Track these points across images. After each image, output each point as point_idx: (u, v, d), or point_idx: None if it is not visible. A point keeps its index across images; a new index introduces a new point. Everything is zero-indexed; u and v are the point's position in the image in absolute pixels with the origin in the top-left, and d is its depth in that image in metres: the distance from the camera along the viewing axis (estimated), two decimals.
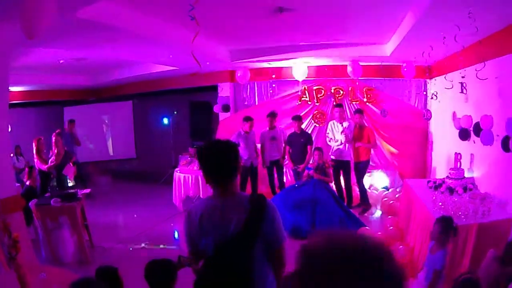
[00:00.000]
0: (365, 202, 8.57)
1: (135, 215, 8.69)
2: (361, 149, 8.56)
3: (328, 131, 8.95)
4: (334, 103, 9.56)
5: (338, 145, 8.63)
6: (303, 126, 9.41)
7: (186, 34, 5.65)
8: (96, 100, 13.62)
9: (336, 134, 8.69)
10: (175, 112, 12.97)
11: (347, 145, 8.60)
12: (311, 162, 8.38)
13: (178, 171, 9.15)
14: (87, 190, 7.32)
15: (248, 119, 8.75)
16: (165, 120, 13.16)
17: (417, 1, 5.12)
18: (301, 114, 9.68)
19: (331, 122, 8.99)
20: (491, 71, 5.52)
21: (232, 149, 2.61)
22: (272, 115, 9.02)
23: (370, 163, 9.08)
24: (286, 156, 9.01)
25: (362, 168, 8.63)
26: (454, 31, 5.13)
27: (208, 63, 8.41)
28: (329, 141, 8.83)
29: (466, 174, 6.83)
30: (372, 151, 8.99)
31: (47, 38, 5.39)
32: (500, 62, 5.48)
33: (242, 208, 2.51)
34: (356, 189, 8.85)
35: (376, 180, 9.87)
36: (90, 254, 6.30)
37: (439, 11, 4.76)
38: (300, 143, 8.73)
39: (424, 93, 9.63)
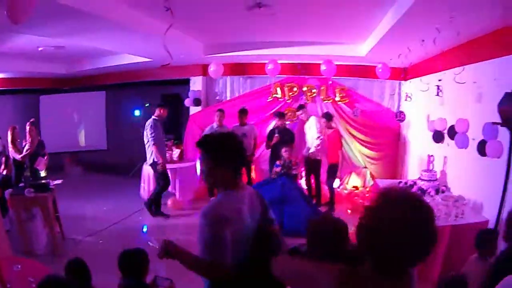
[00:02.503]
0: (332, 201, 8.53)
1: (104, 208, 8.57)
2: (334, 150, 8.51)
3: (310, 126, 8.72)
4: (299, 104, 9.42)
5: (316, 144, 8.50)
6: (273, 123, 9.43)
7: (162, 26, 5.52)
8: (71, 90, 13.31)
9: (309, 133, 8.62)
10: (147, 105, 12.75)
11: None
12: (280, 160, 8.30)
13: (147, 165, 8.89)
14: (59, 181, 7.11)
15: (219, 110, 8.73)
16: (137, 112, 13.01)
17: (397, 2, 5.08)
18: (271, 112, 9.73)
19: (314, 118, 8.81)
20: (469, 75, 5.55)
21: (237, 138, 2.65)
22: (243, 112, 8.95)
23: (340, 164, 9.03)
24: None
25: (333, 169, 8.57)
26: (434, 34, 5.13)
27: (182, 55, 8.24)
28: (318, 138, 8.54)
29: (439, 176, 6.90)
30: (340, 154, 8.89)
31: (30, 24, 5.17)
32: (479, 68, 5.51)
33: (257, 199, 2.67)
34: (325, 187, 8.80)
35: (346, 180, 9.87)
36: (62, 246, 6.22)
37: (420, 13, 4.72)
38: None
39: (398, 94, 9.66)
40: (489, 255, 3.60)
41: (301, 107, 8.99)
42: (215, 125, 8.66)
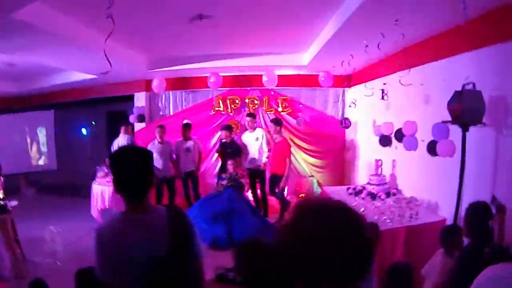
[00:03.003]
0: (285, 206, 8.32)
1: (60, 229, 7.98)
2: (279, 162, 8.34)
3: (257, 137, 8.63)
4: (247, 112, 9.35)
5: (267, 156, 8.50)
6: (217, 136, 9.48)
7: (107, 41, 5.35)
8: (21, 109, 12.86)
9: (253, 144, 8.56)
10: (94, 123, 12.73)
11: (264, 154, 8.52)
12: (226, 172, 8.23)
13: (96, 183, 8.67)
14: (15, 203, 6.88)
15: (160, 126, 8.56)
16: (84, 131, 12.93)
17: (339, 9, 5.10)
18: (215, 125, 9.70)
19: (262, 130, 8.86)
20: (416, 78, 5.65)
21: (149, 156, 2.29)
22: (186, 126, 8.82)
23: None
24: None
25: (277, 180, 8.33)
26: (378, 39, 5.18)
27: (125, 71, 8.19)
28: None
29: (389, 180, 6.98)
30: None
31: None
32: (425, 69, 5.63)
33: (163, 225, 2.21)
34: (272, 198, 8.68)
35: (293, 190, 9.78)
36: (24, 269, 6.04)
37: (363, 18, 4.78)
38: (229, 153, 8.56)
39: (342, 101, 9.77)
40: (455, 250, 3.62)
41: (252, 115, 8.85)
42: (156, 141, 8.46)
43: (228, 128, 8.78)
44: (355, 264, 1.25)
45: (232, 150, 8.54)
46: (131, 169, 2.21)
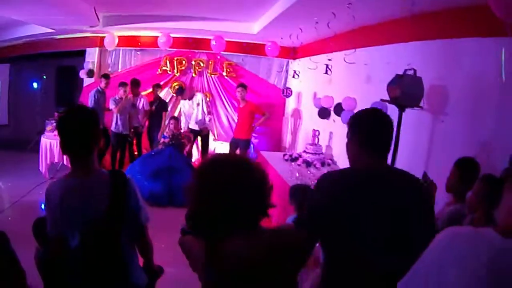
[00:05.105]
0: None
1: (9, 184, 8.28)
2: (243, 127, 8.68)
3: (198, 102, 8.94)
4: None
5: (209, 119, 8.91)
6: (162, 95, 9.64)
7: None
8: None
9: (194, 111, 8.90)
10: (44, 77, 12.36)
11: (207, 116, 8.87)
12: (166, 131, 8.44)
13: (45, 137, 8.54)
14: None
15: (123, 84, 8.49)
16: (35, 85, 12.48)
17: None
18: (161, 83, 9.76)
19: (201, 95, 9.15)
20: (361, 58, 5.99)
21: (94, 118, 2.36)
22: (135, 83, 8.90)
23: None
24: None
25: (239, 144, 8.69)
26: (329, 18, 5.45)
27: (79, 25, 8.12)
28: (209, 119, 9.02)
29: (325, 151, 7.39)
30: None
31: None
32: (371, 51, 5.98)
33: (105, 188, 2.31)
34: None
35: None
36: None
37: None
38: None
39: (286, 72, 10.08)
40: None
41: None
42: (117, 97, 8.47)
43: (157, 86, 9.36)
44: (254, 200, 1.58)
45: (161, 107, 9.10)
46: (75, 131, 2.28)
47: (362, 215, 1.97)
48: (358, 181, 2.05)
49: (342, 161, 6.68)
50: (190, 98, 8.92)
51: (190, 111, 8.96)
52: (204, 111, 8.80)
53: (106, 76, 8.73)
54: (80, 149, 2.31)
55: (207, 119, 8.82)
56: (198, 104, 8.84)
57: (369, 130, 2.14)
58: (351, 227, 1.99)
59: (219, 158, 1.74)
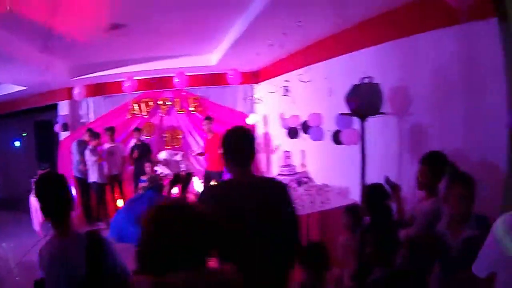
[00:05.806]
0: None
1: (12, 244, 8.15)
2: (214, 159, 8.49)
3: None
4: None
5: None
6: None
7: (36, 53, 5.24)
8: None
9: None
10: (24, 134, 12.39)
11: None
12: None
13: (33, 196, 8.22)
14: None
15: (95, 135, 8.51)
16: (17, 143, 12.55)
17: (245, 12, 5.34)
18: (132, 128, 9.67)
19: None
20: (320, 72, 6.02)
21: (64, 183, 2.53)
22: (110, 129, 8.87)
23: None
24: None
25: (213, 177, 8.55)
26: (281, 38, 5.50)
27: (48, 80, 8.05)
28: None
29: (300, 170, 7.35)
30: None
31: None
32: (328, 64, 6.02)
33: (80, 250, 2.39)
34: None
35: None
36: None
37: (267, 21, 5.04)
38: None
39: (251, 97, 10.04)
40: (356, 228, 3.87)
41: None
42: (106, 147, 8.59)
43: (137, 130, 9.26)
44: (194, 243, 1.70)
45: (143, 151, 8.89)
46: (50, 199, 2.43)
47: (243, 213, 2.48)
48: (236, 189, 2.59)
49: (320, 178, 6.67)
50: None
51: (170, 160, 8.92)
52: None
53: (95, 136, 8.57)
54: (55, 214, 2.44)
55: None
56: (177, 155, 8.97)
57: (233, 148, 2.62)
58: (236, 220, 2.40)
59: (165, 205, 1.84)
